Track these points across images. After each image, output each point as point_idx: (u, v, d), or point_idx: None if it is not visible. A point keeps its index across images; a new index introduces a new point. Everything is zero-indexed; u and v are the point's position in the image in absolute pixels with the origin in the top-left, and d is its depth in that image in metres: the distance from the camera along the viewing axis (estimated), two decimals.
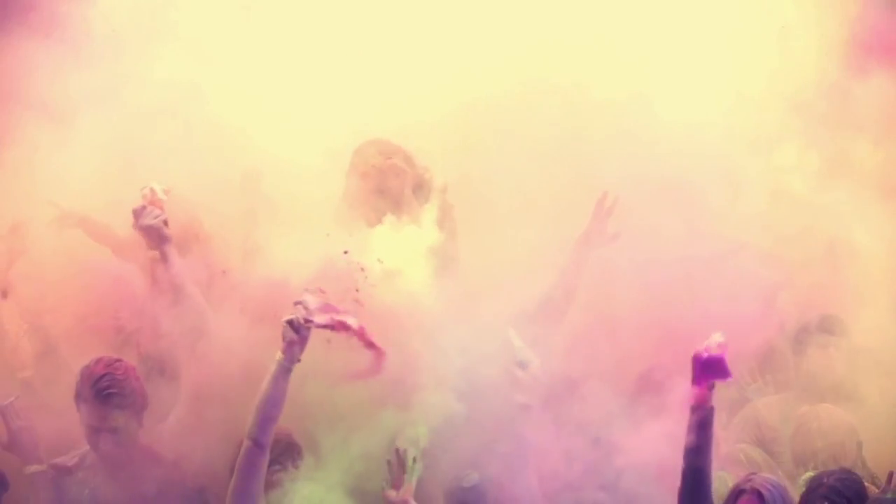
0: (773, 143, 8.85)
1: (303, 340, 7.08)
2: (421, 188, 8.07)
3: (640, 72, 8.28)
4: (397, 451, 7.41)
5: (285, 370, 7.08)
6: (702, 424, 6.80)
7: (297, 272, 7.41)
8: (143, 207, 7.51)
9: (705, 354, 6.78)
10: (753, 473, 7.31)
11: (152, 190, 7.55)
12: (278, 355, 7.10)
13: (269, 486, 7.32)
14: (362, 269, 7.42)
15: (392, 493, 7.38)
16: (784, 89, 8.85)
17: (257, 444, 7.12)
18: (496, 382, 7.34)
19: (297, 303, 7.12)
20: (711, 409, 6.81)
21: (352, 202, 7.88)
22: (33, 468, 7.51)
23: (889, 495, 7.36)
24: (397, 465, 7.40)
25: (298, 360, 7.09)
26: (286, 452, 7.45)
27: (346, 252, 7.42)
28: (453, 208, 8.06)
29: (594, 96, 8.16)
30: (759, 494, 7.02)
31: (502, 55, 8.27)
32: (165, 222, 7.51)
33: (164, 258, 7.54)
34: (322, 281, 7.28)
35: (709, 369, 6.79)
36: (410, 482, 7.39)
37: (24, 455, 7.52)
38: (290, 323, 7.07)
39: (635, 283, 7.95)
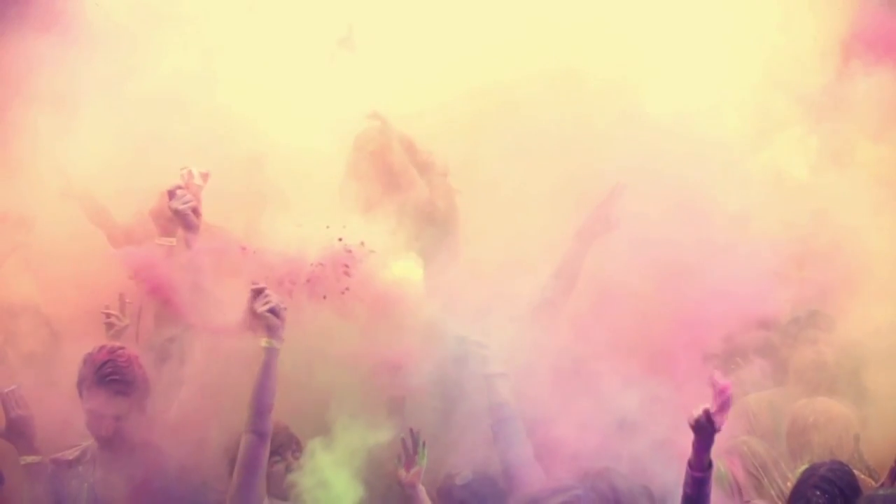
0: (774, 134, 8.83)
1: (282, 322, 7.17)
2: (424, 172, 8.14)
3: (644, 59, 8.27)
4: (412, 431, 7.48)
5: (276, 354, 7.14)
6: (697, 483, 6.74)
7: (300, 251, 7.53)
8: (178, 189, 7.50)
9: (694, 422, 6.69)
10: (747, 502, 7.37)
11: (189, 172, 7.54)
12: (265, 342, 7.15)
13: (269, 476, 7.36)
14: (349, 251, 7.52)
15: (403, 473, 7.46)
16: (786, 82, 8.84)
17: (260, 435, 7.17)
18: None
19: (259, 290, 7.20)
20: (710, 467, 6.75)
21: (354, 183, 7.95)
22: (30, 459, 7.49)
23: (881, 491, 7.37)
24: (411, 444, 7.46)
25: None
26: (285, 444, 7.51)
27: (340, 239, 7.53)
28: (456, 193, 8.15)
29: (598, 82, 8.17)
30: None
31: (506, 40, 8.28)
32: (195, 210, 7.49)
33: (186, 246, 7.54)
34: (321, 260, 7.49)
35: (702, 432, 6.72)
36: (421, 464, 7.46)
37: (22, 445, 7.49)
38: (273, 311, 7.14)
39: (636, 266, 7.96)
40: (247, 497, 7.21)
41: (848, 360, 8.70)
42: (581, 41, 8.21)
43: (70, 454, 7.59)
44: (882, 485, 7.54)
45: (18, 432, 7.49)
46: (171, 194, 7.48)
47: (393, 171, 8.01)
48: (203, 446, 7.42)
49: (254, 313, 7.16)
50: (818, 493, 7.27)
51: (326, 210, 7.69)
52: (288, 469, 7.48)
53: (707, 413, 6.61)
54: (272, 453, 7.34)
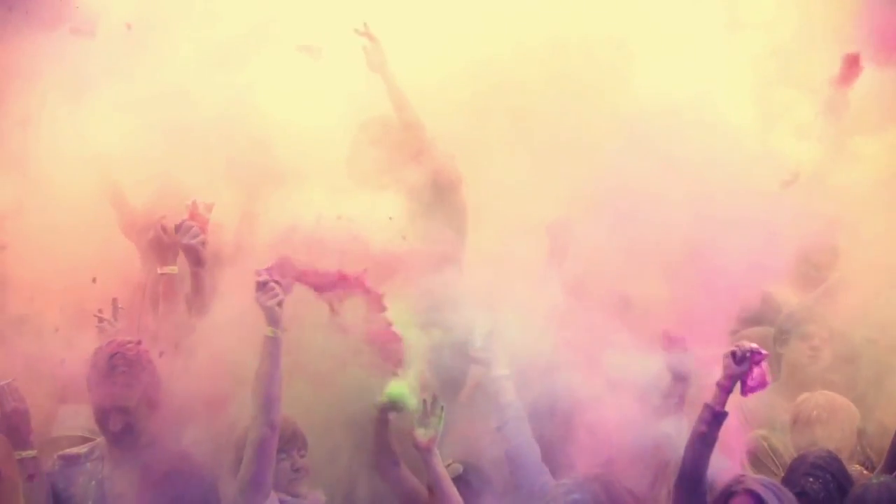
0: (779, 119, 8.79)
1: (281, 308, 7.16)
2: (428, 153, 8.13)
3: (649, 38, 8.26)
4: (434, 395, 7.49)
5: (281, 343, 7.16)
6: (716, 420, 7.07)
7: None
8: (184, 223, 7.53)
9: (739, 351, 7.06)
10: (743, 475, 7.36)
11: (195, 203, 7.55)
12: (270, 331, 7.16)
13: (275, 473, 7.34)
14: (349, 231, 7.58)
15: (421, 432, 7.45)
16: (794, 71, 8.82)
17: (272, 426, 7.18)
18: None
19: (264, 283, 7.19)
20: (725, 414, 7.09)
21: (357, 168, 7.96)
22: (25, 454, 7.39)
23: (875, 480, 7.38)
24: (431, 406, 7.47)
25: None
26: (292, 441, 7.49)
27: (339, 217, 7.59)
28: (461, 175, 8.14)
29: (601, 59, 8.17)
30: (754, 494, 7.08)
31: (511, 16, 8.30)
32: (204, 243, 7.53)
33: (195, 279, 7.60)
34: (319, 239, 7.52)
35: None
36: (438, 428, 7.45)
37: (16, 439, 7.38)
38: (280, 304, 7.14)
39: (642, 246, 7.98)
40: (254, 490, 7.21)
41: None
42: (583, 17, 8.20)
43: (79, 450, 7.54)
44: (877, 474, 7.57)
45: (13, 426, 7.38)
46: (179, 228, 7.52)
47: (395, 155, 7.98)
48: (219, 434, 7.45)
49: (260, 305, 7.18)
50: (811, 479, 7.38)
51: (332, 190, 7.72)
52: (293, 467, 7.47)
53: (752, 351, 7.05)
54: (279, 450, 7.33)
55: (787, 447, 8.14)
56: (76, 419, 8.03)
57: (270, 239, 7.63)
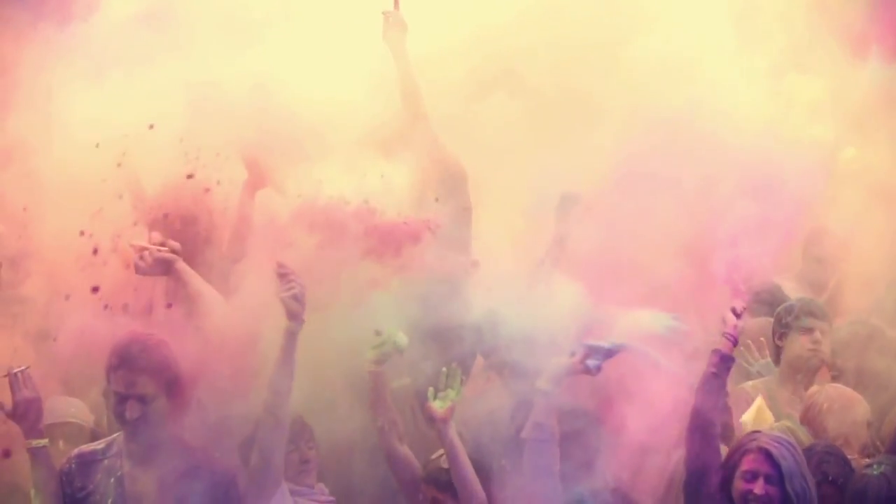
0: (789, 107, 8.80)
1: (303, 307, 7.21)
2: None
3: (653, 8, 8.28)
4: (453, 365, 7.49)
5: (294, 337, 7.19)
6: (723, 362, 7.37)
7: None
8: (139, 256, 7.58)
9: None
10: (757, 431, 7.41)
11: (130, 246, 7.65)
12: (287, 324, 7.19)
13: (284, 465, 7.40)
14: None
15: (437, 404, 7.41)
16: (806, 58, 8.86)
17: (275, 417, 7.21)
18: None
19: (282, 273, 7.24)
20: (733, 358, 7.43)
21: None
22: (36, 443, 7.34)
23: (874, 471, 7.43)
24: (449, 376, 7.45)
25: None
26: (299, 433, 7.52)
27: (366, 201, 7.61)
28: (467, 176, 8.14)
29: (605, 28, 8.17)
30: (766, 452, 7.15)
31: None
32: (161, 250, 7.58)
33: (178, 277, 7.61)
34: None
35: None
36: (455, 399, 7.43)
37: (28, 427, 7.31)
38: (295, 297, 7.18)
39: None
40: (264, 480, 7.28)
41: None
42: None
43: (95, 445, 7.50)
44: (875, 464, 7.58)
45: (24, 414, 7.31)
46: (141, 267, 7.59)
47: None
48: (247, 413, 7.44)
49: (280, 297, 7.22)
50: (827, 464, 7.49)
51: (345, 167, 7.74)
52: (301, 458, 7.51)
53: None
54: (286, 442, 7.37)
55: (810, 439, 8.07)
56: (67, 409, 8.09)
57: (287, 213, 7.67)
